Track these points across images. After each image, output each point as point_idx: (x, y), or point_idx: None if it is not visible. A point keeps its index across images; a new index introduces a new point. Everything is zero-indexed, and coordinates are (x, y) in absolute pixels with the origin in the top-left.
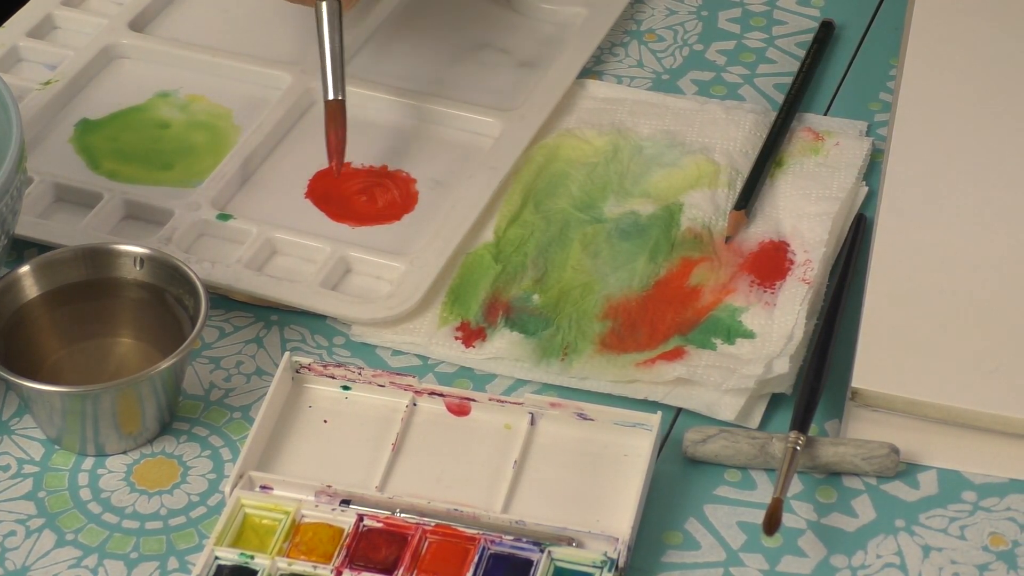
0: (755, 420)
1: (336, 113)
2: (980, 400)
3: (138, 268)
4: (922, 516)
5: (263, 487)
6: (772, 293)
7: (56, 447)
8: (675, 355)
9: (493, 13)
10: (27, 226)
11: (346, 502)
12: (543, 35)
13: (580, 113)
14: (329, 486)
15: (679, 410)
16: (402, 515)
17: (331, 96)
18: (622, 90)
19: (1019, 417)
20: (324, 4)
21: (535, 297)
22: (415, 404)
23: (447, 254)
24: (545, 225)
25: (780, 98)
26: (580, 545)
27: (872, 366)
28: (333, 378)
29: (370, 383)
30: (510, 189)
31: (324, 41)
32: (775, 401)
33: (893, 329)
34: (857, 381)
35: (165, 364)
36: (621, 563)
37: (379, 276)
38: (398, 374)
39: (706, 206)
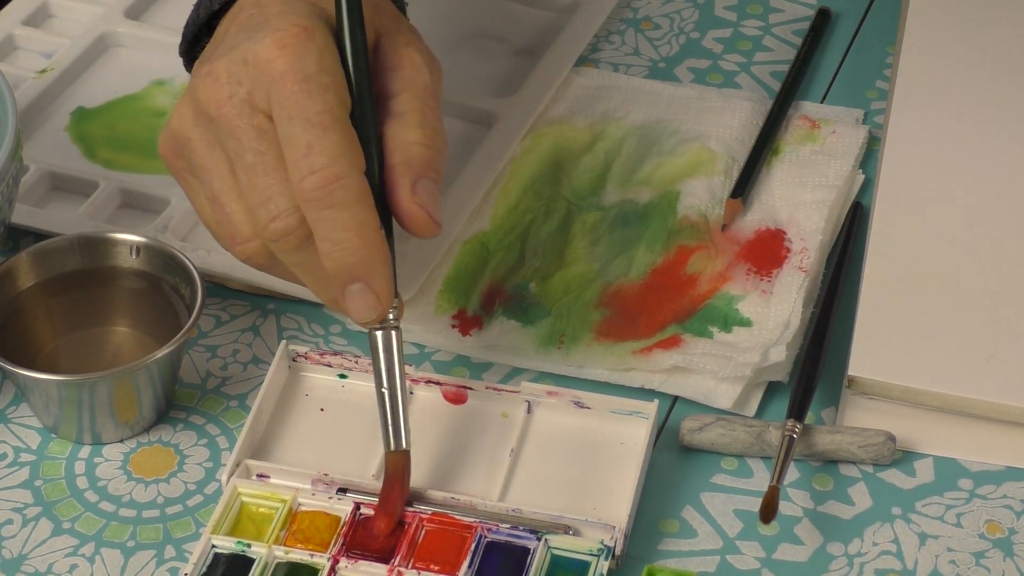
0: (752, 408)
1: (399, 466)
2: (977, 388)
3: (134, 257)
4: (918, 504)
5: (260, 475)
6: (769, 281)
7: (53, 436)
8: (672, 343)
9: (489, 1)
10: (23, 215)
11: (343, 490)
12: (539, 23)
13: (577, 101)
14: (326, 474)
15: (676, 398)
16: None
17: (392, 447)
18: (618, 78)
19: (1015, 405)
20: (380, 334)
21: (532, 285)
22: (412, 392)
23: (444, 242)
24: (542, 213)
25: (777, 86)
26: (577, 533)
27: (869, 354)
28: (330, 366)
29: (367, 371)
30: (507, 177)
31: (382, 378)
32: (772, 389)
33: (890, 317)
34: (854, 369)
35: (161, 353)
36: (618, 551)
37: None
38: None
39: (703, 194)
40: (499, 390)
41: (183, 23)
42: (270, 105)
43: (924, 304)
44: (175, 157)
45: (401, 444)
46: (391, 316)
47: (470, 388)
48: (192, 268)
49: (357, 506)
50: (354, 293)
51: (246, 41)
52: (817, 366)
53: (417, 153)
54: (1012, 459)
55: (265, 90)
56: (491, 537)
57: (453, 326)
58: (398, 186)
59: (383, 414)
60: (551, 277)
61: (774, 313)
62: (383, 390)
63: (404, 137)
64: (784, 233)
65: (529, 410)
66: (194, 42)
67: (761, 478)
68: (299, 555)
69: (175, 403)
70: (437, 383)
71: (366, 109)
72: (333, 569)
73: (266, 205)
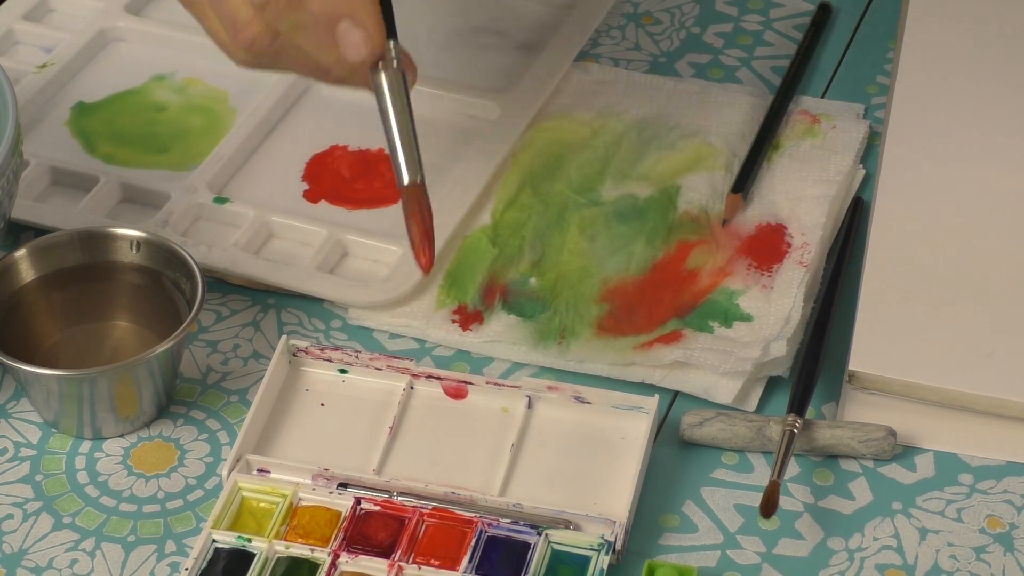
0: (752, 403)
1: (416, 199)
2: (977, 383)
3: (135, 252)
4: (919, 499)
5: (260, 470)
6: (769, 276)
7: (53, 430)
8: (672, 338)
9: None
10: (23, 209)
11: (343, 485)
12: (540, 18)
13: (577, 96)
14: (326, 469)
15: (676, 393)
16: (399, 498)
17: (406, 180)
18: (619, 73)
19: (1016, 400)
20: (384, 75)
21: (532, 280)
22: (412, 387)
23: (444, 237)
24: (542, 208)
25: (777, 81)
26: (577, 528)
27: (869, 349)
28: (330, 361)
29: (367, 366)
30: (507, 172)
31: (390, 117)
32: (772, 384)
33: (890, 312)
34: (854, 364)
35: (162, 347)
36: (618, 546)
37: (376, 259)
38: (395, 357)
39: (703, 189)
40: (499, 385)
41: (183, 18)
42: None
43: (925, 299)
44: None
45: (416, 176)
46: (393, 60)
47: (470, 383)
48: (192, 263)
49: (358, 501)
50: (343, 33)
51: None
52: (818, 361)
53: None
54: (1012, 454)
55: None
56: (492, 532)
57: (453, 321)
58: None
59: (393, 150)
60: (552, 272)
61: (775, 308)
62: (392, 125)
63: None
64: (785, 228)
65: (529, 405)
66: None
67: (761, 473)
68: (300, 550)
69: (175, 398)
70: (437, 378)
71: None
72: (334, 564)
73: None
